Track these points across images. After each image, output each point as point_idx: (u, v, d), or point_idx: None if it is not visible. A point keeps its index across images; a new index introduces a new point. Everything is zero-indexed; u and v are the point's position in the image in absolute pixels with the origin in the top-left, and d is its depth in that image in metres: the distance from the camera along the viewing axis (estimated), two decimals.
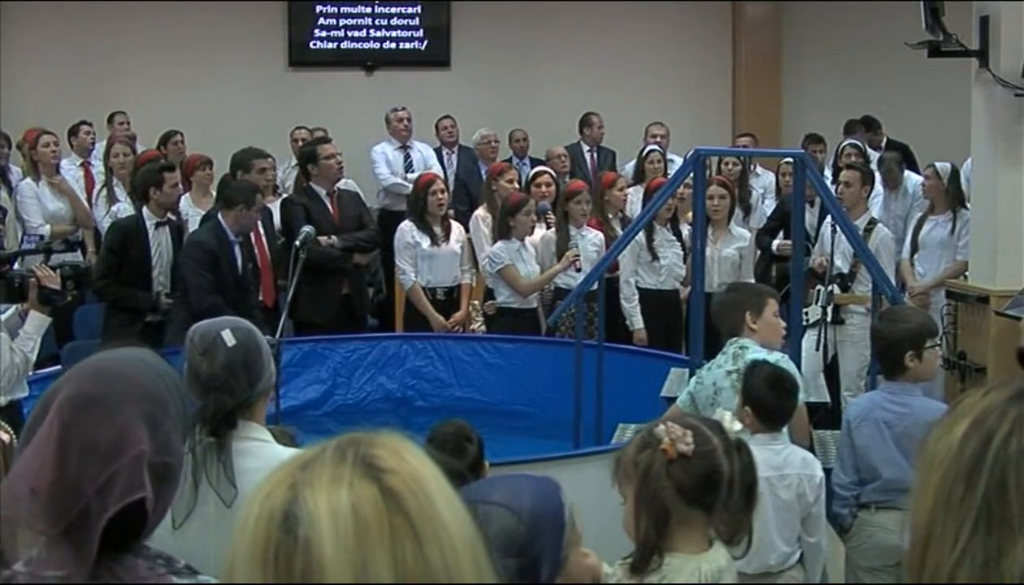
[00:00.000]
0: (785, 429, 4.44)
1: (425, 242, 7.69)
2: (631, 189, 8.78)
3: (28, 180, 8.51)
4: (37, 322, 4.81)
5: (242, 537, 1.22)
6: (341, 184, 8.81)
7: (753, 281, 7.90)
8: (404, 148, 10.36)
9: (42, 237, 7.19)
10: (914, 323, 4.51)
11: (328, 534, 1.17)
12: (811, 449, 4.67)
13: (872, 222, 7.62)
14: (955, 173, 7.91)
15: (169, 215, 7.17)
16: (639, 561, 2.66)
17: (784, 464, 4.09)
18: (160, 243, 7.04)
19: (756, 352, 4.53)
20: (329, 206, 7.79)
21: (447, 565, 1.19)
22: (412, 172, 10.05)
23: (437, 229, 7.73)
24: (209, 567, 2.35)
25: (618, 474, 2.71)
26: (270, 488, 1.23)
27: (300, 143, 10.07)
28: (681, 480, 2.65)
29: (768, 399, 4.12)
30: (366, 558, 1.17)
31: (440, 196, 7.73)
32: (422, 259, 7.70)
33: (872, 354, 4.63)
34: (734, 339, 4.71)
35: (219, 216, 6.96)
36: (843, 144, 9.27)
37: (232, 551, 1.22)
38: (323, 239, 7.48)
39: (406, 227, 7.77)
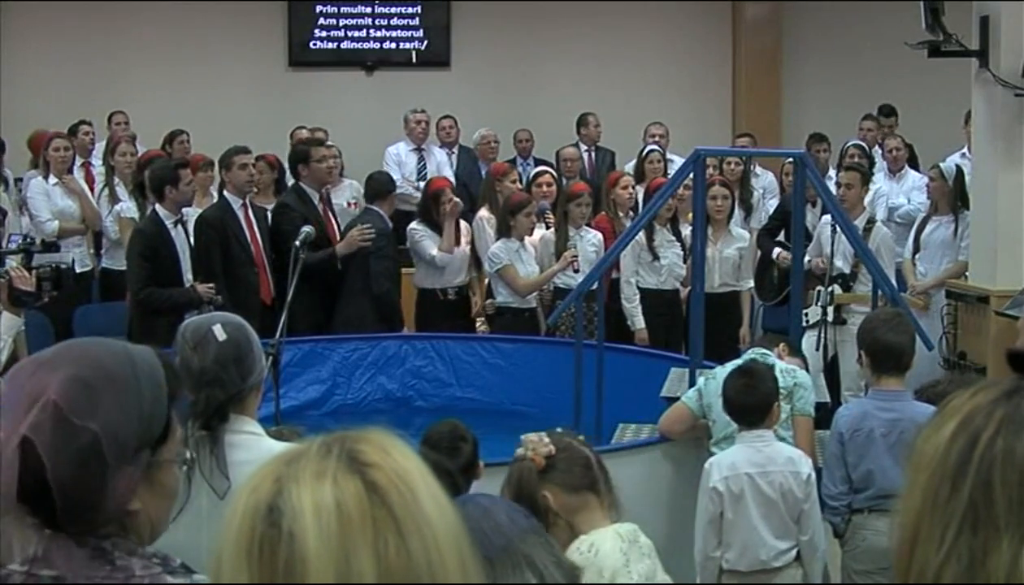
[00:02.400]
0: (788, 434, 4.46)
1: (432, 246, 7.71)
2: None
3: (38, 178, 8.54)
4: (8, 323, 4.80)
5: (228, 530, 1.23)
6: (344, 184, 8.80)
7: (752, 281, 7.94)
8: (419, 150, 10.38)
9: (26, 237, 7.17)
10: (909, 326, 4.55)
11: (311, 527, 1.19)
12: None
13: (871, 221, 7.63)
14: (959, 174, 7.91)
15: (184, 211, 7.17)
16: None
17: (767, 462, 4.10)
18: (181, 241, 7.05)
19: (773, 360, 4.57)
20: (320, 210, 7.76)
21: (430, 560, 1.20)
22: (425, 177, 10.09)
23: (447, 232, 7.73)
24: (202, 560, 2.36)
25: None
26: (256, 482, 1.25)
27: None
28: (556, 477, 2.88)
29: (732, 394, 4.15)
30: (349, 551, 1.18)
31: (449, 206, 7.74)
32: (436, 265, 7.73)
33: (872, 354, 4.55)
34: (758, 348, 4.77)
35: (372, 206, 7.76)
36: (847, 145, 9.31)
37: (219, 544, 1.24)
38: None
39: (418, 228, 7.79)
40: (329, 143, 8.95)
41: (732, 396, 4.17)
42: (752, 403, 4.13)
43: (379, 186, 7.85)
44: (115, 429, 1.67)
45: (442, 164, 10.37)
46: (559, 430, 3.06)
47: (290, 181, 9.17)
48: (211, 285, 6.91)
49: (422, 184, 9.93)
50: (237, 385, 2.76)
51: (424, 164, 10.33)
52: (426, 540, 1.20)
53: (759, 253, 8.49)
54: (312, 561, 1.18)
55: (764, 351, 4.75)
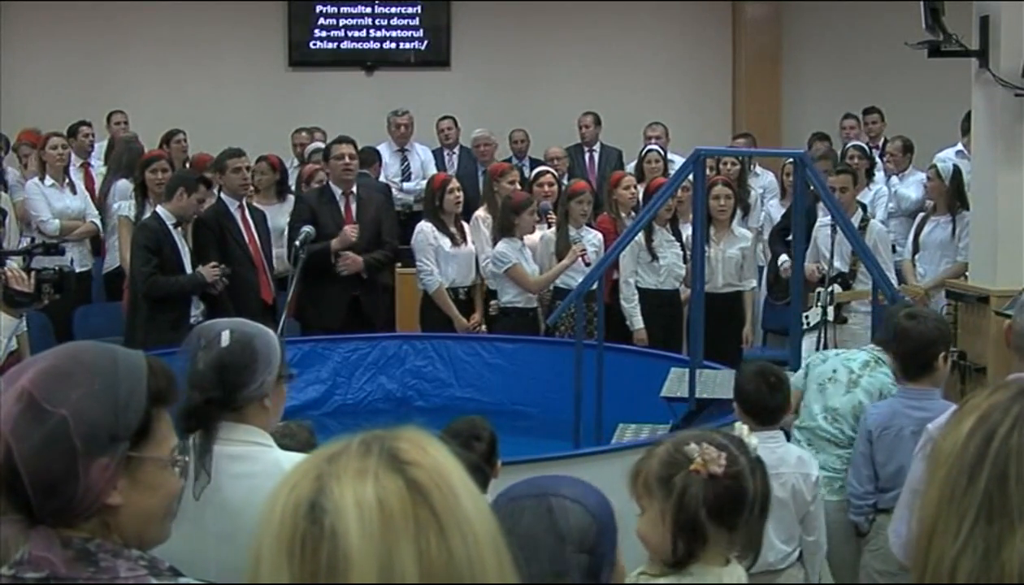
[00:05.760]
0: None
1: (446, 243, 7.66)
2: None
3: (35, 179, 8.53)
4: (6, 323, 4.82)
5: (268, 528, 1.23)
6: None
7: (755, 282, 7.93)
8: (402, 151, 10.38)
9: (32, 239, 7.16)
10: (944, 323, 4.53)
11: (354, 524, 1.20)
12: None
13: (864, 219, 7.63)
14: (956, 174, 7.91)
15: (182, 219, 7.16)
16: (674, 564, 2.60)
17: (779, 462, 4.09)
18: (181, 241, 7.05)
19: (884, 372, 4.71)
20: (342, 208, 7.75)
21: (470, 557, 1.22)
22: (409, 178, 10.11)
23: (453, 229, 7.72)
24: (210, 571, 2.35)
25: (636, 486, 2.63)
26: (296, 480, 1.26)
27: (300, 147, 10.13)
28: (709, 499, 2.57)
29: (750, 393, 4.14)
30: (391, 548, 1.19)
31: (457, 194, 7.74)
32: (445, 260, 7.66)
33: (898, 355, 4.52)
34: (877, 350, 4.86)
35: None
36: (848, 146, 9.31)
37: (258, 542, 1.24)
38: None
39: (427, 228, 7.68)
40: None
41: (755, 396, 4.15)
42: (771, 404, 4.14)
43: None
44: (85, 414, 1.68)
45: (427, 163, 10.37)
46: (733, 447, 2.66)
47: (291, 183, 9.22)
48: (214, 264, 6.93)
49: (406, 185, 10.05)
50: (224, 392, 2.67)
51: (408, 165, 10.33)
52: (466, 539, 1.22)
53: (770, 253, 8.50)
54: (355, 558, 1.18)
55: (883, 357, 4.82)
